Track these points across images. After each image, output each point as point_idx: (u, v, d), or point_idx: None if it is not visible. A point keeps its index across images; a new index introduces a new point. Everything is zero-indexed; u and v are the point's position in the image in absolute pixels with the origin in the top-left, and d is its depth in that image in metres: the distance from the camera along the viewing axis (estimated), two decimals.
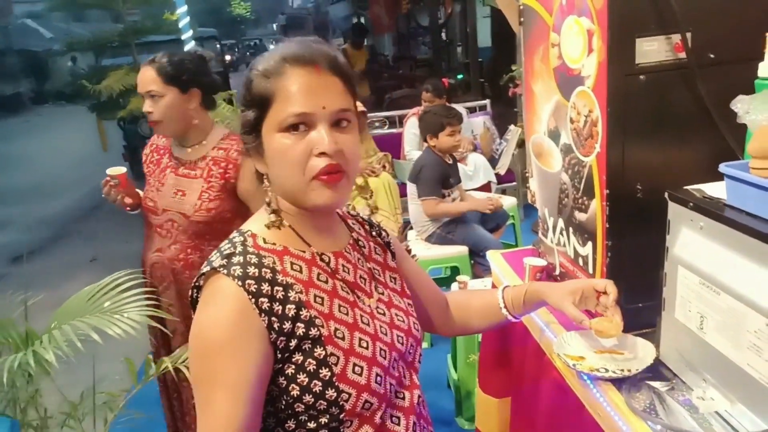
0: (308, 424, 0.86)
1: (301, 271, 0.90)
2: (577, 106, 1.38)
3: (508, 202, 3.92)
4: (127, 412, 2.17)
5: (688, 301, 1.10)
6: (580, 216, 1.44)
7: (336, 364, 0.86)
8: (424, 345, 3.26)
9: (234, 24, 26.82)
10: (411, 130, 4.62)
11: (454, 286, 2.69)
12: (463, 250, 3.29)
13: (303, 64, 0.86)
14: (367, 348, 0.90)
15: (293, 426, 0.87)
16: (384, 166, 4.50)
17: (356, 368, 0.87)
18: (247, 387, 0.81)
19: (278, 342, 0.84)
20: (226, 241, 0.91)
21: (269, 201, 0.90)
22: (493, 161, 5.02)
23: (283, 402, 0.85)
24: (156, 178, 2.00)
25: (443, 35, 12.62)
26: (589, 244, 1.41)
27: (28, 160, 10.26)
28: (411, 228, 3.61)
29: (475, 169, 4.60)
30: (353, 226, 1.05)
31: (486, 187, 4.54)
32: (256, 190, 1.82)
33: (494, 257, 1.92)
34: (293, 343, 0.85)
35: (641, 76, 1.23)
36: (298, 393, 0.84)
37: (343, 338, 0.88)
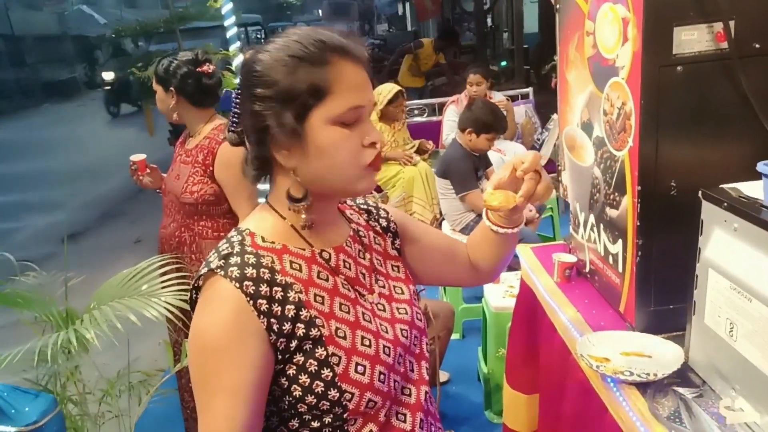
0: (312, 423, 0.86)
1: (300, 270, 0.88)
2: (610, 97, 1.32)
3: None
4: (160, 392, 2.24)
5: (718, 306, 1.04)
6: (611, 212, 1.39)
7: (338, 364, 0.84)
8: (455, 336, 3.25)
9: (280, 10, 27.02)
10: (450, 117, 4.55)
11: None
12: None
13: (349, 57, 0.84)
14: (369, 346, 0.88)
15: (297, 425, 0.86)
16: (419, 152, 4.47)
17: (359, 367, 0.86)
18: (246, 389, 0.80)
19: (278, 343, 0.83)
20: (224, 241, 0.89)
21: (292, 195, 0.87)
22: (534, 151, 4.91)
23: (286, 402, 0.85)
24: (173, 163, 2.25)
25: (489, 21, 12.37)
26: (620, 241, 1.36)
27: (79, 143, 10.63)
28: (444, 219, 3.58)
29: None
30: (351, 217, 1.02)
31: None
32: (230, 178, 2.00)
33: (524, 251, 1.88)
34: (294, 344, 0.83)
35: (678, 67, 1.17)
36: (300, 393, 0.84)
37: (344, 337, 0.87)
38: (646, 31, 1.15)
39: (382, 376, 0.88)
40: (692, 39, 1.16)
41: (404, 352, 0.94)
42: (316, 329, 0.85)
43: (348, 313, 0.89)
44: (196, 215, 2.13)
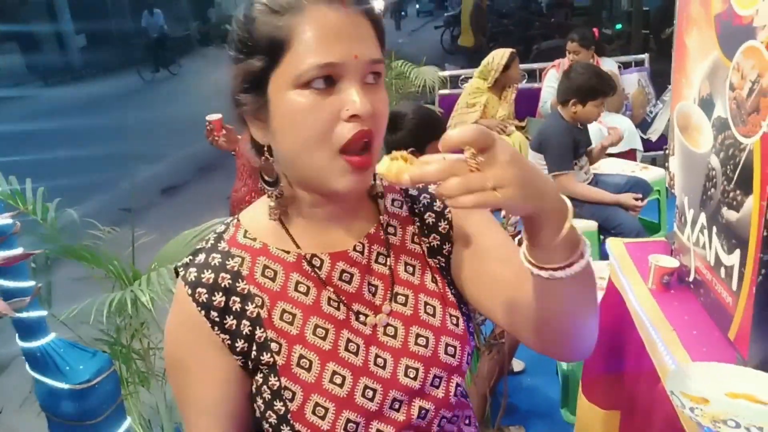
0: None
1: (273, 279, 0.73)
2: (741, 67, 1.03)
3: (655, 173, 3.41)
4: None
5: None
6: (729, 214, 1.10)
7: (291, 400, 0.70)
8: None
9: None
10: (550, 83, 4.18)
11: None
12: (591, 225, 2.89)
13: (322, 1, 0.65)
14: (341, 385, 0.71)
15: None
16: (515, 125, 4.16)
17: (318, 409, 0.69)
18: (215, 404, 0.72)
19: (239, 361, 0.72)
20: (213, 231, 0.79)
21: (271, 181, 0.72)
22: (645, 125, 4.44)
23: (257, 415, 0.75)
24: None
25: None
26: (737, 252, 1.08)
27: (188, 98, 11.04)
28: None
29: None
30: (391, 205, 0.80)
31: (630, 155, 4.01)
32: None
33: (614, 246, 1.60)
34: (251, 364, 0.72)
35: None
36: (258, 416, 0.74)
37: (308, 369, 0.70)
38: None
39: (351, 425, 0.70)
40: None
41: (407, 395, 0.73)
42: (269, 355, 0.71)
43: (323, 338, 0.72)
44: None
